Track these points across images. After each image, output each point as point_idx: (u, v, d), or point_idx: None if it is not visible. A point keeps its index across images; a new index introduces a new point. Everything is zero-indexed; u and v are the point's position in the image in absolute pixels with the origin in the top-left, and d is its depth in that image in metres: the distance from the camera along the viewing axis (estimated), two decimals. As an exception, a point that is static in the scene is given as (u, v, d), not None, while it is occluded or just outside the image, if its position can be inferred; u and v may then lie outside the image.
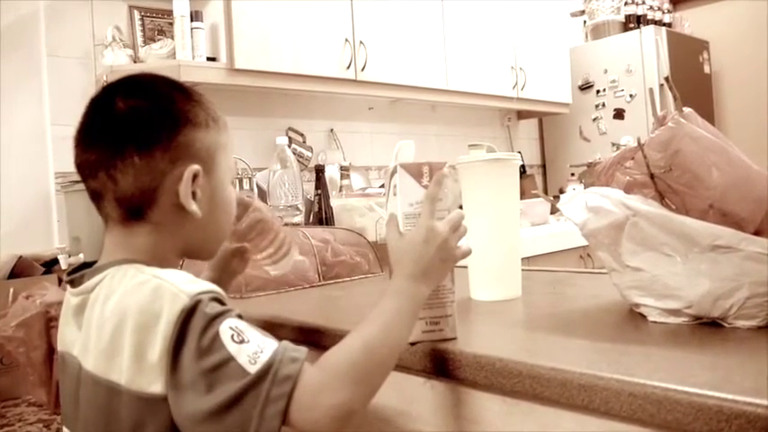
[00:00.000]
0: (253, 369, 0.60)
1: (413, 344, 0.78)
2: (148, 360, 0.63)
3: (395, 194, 0.80)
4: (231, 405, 0.59)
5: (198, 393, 0.60)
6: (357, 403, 0.63)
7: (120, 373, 0.65)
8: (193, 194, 0.74)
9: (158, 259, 0.74)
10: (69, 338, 0.77)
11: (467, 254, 0.77)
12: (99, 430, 0.69)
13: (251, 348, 0.62)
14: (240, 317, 0.66)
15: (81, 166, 0.75)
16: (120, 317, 0.65)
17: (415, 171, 0.78)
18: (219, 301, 0.66)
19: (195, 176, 0.74)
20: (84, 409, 0.72)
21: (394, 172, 0.80)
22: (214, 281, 0.96)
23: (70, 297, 0.77)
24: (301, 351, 0.64)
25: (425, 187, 0.77)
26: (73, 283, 0.76)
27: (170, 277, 0.67)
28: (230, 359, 0.60)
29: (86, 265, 0.77)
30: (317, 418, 0.61)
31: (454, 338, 0.79)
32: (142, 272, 0.69)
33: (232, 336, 0.62)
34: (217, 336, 0.61)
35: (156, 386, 0.63)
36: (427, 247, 0.73)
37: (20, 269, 1.57)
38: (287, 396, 0.60)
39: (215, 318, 0.63)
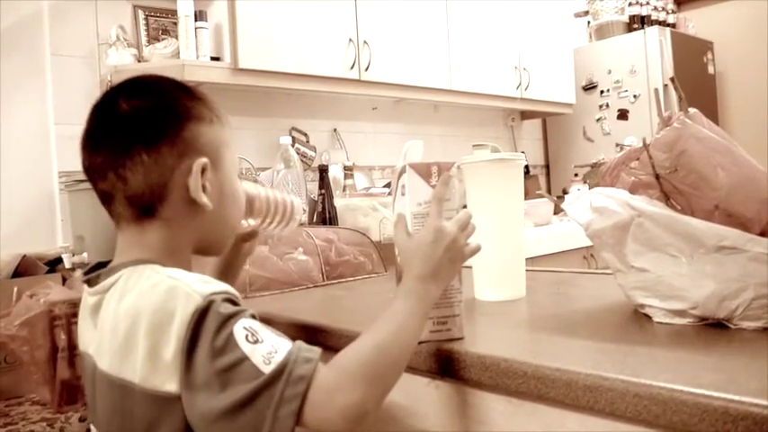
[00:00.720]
0: (267, 369, 0.60)
1: (420, 343, 0.78)
2: (163, 359, 0.63)
3: (403, 194, 0.80)
4: (245, 404, 0.59)
5: (212, 393, 0.60)
6: (370, 403, 0.63)
7: (133, 372, 0.65)
8: (203, 188, 0.75)
9: (172, 255, 0.75)
10: (87, 337, 0.77)
11: (476, 251, 0.78)
12: (114, 428, 0.70)
13: (265, 348, 0.62)
14: (254, 317, 0.66)
15: (89, 169, 0.76)
16: (135, 317, 0.65)
17: (424, 171, 0.79)
18: (233, 301, 0.67)
19: (204, 169, 0.75)
20: (100, 407, 0.73)
21: (402, 172, 0.80)
22: (227, 266, 0.98)
23: (87, 296, 0.77)
24: (315, 351, 0.64)
25: (434, 187, 0.78)
26: (89, 283, 0.77)
27: (184, 278, 0.67)
28: (244, 359, 0.61)
29: (102, 265, 0.77)
30: (331, 417, 0.61)
31: (461, 338, 0.79)
32: (157, 272, 0.69)
33: (246, 336, 0.62)
34: (231, 336, 0.62)
35: (170, 385, 0.63)
36: (436, 248, 0.73)
37: (24, 268, 1.57)
38: (301, 396, 0.60)
39: (229, 318, 0.63)
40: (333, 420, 0.61)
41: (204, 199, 0.75)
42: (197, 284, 0.65)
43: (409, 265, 0.74)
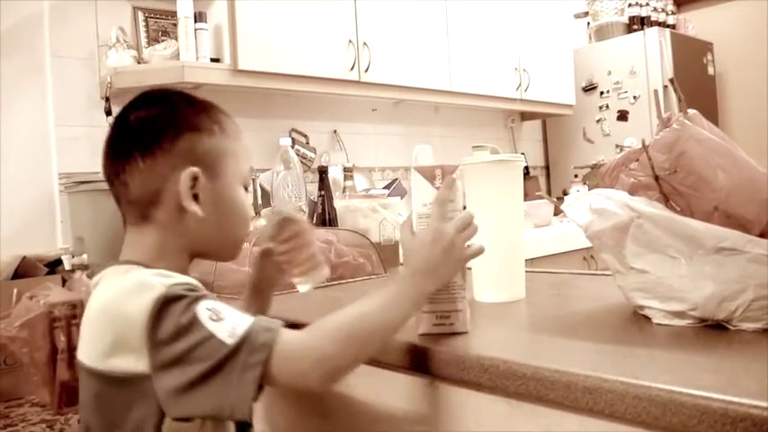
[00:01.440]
0: (231, 341, 0.64)
1: (422, 335, 0.81)
2: (129, 345, 0.66)
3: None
4: (212, 374, 0.64)
5: (180, 369, 0.65)
6: (343, 360, 0.68)
7: (102, 360, 0.69)
8: (196, 196, 0.78)
9: (164, 257, 0.78)
10: None
11: (476, 254, 0.80)
12: (96, 417, 0.73)
13: (228, 324, 0.66)
14: (216, 300, 0.70)
15: (105, 175, 0.81)
16: (102, 308, 0.71)
17: (429, 174, 0.82)
18: (195, 290, 0.70)
19: (196, 178, 0.78)
20: (83, 398, 0.76)
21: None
22: (256, 291, 0.99)
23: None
24: (276, 322, 0.69)
25: (438, 189, 0.81)
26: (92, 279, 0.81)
27: (152, 272, 0.71)
28: (210, 336, 0.65)
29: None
30: (304, 369, 0.66)
31: (466, 332, 0.81)
32: (133, 270, 0.74)
33: (210, 315, 0.66)
34: (195, 317, 0.66)
35: (139, 367, 0.66)
36: (434, 248, 0.76)
37: (23, 270, 1.57)
38: (263, 363, 0.64)
39: (192, 301, 0.67)
40: (305, 373, 0.66)
41: (193, 207, 0.78)
42: (161, 278, 0.70)
43: (409, 261, 0.78)
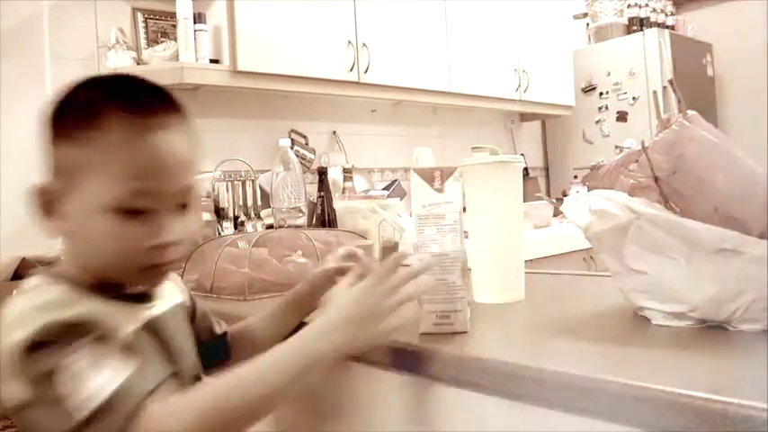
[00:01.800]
0: (88, 406, 0.58)
1: (423, 335, 0.81)
2: (4, 376, 0.62)
3: None
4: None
5: (41, 413, 0.60)
6: None
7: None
8: (51, 211, 0.71)
9: (74, 267, 0.72)
10: None
11: (392, 327, 0.72)
12: None
13: (93, 384, 0.59)
14: (99, 342, 0.63)
15: None
16: None
17: (428, 175, 0.83)
18: (72, 333, 0.62)
19: (46, 192, 0.70)
20: None
21: None
22: (291, 303, 0.93)
23: None
24: (148, 387, 0.61)
25: (437, 190, 0.82)
26: None
27: (46, 300, 0.66)
28: (62, 399, 0.59)
29: None
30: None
31: (465, 332, 0.82)
32: (37, 288, 0.68)
33: (72, 372, 0.60)
34: (56, 369, 0.60)
35: (13, 397, 0.61)
36: (370, 299, 0.70)
37: (23, 270, 1.57)
38: None
39: (61, 348, 0.61)
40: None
41: (42, 223, 0.71)
42: (46, 312, 0.63)
43: (331, 310, 0.70)
